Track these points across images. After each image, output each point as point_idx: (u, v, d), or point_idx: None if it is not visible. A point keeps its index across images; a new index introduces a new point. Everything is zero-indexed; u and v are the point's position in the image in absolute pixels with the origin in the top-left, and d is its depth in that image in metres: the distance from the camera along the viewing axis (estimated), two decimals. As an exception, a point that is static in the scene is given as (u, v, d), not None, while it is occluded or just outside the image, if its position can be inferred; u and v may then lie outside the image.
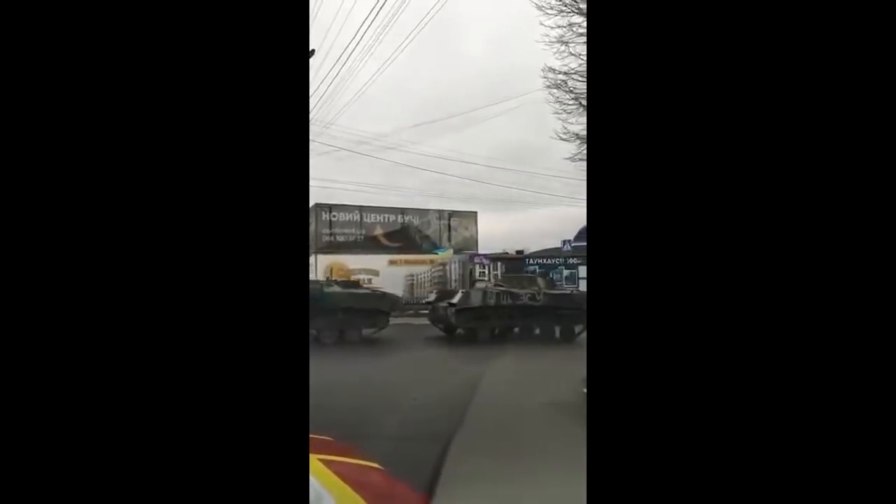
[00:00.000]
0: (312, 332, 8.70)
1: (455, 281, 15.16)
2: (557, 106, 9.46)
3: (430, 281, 14.43)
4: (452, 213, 16.09)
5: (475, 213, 16.58)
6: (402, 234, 15.03)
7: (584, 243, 17.10)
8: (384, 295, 10.49)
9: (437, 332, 10.23)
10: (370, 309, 9.55)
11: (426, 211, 15.75)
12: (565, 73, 8.98)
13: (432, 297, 10.68)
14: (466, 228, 16.31)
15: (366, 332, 9.41)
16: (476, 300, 9.26)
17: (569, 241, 18.72)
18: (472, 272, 15.41)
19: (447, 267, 15.27)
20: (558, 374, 5.19)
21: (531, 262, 16.06)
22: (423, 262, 14.60)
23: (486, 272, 16.24)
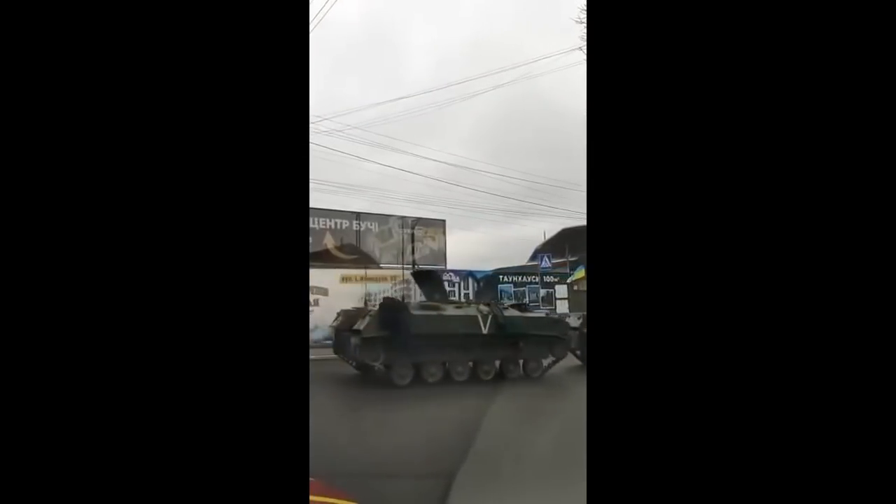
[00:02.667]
0: (496, 364, 8.22)
1: (421, 301, 12.73)
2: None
3: (392, 301, 11.85)
4: (417, 221, 13.46)
5: (443, 221, 14.40)
6: (358, 244, 12.38)
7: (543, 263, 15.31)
8: (559, 320, 9.73)
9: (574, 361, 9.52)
10: (550, 336, 8.61)
11: (387, 217, 13.09)
12: None
13: (575, 321, 9.84)
14: (433, 239, 13.89)
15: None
16: None
17: (546, 255, 16.61)
18: (440, 291, 12.80)
19: (412, 284, 12.57)
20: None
21: (505, 280, 13.84)
22: (382, 279, 11.95)
23: (457, 291, 13.63)
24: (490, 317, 8.04)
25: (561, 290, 16.06)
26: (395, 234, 14.45)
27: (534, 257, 23.16)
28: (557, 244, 22.59)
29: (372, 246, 13.98)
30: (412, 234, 14.72)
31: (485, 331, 7.94)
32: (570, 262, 20.58)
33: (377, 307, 7.92)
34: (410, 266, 14.20)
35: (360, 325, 7.38)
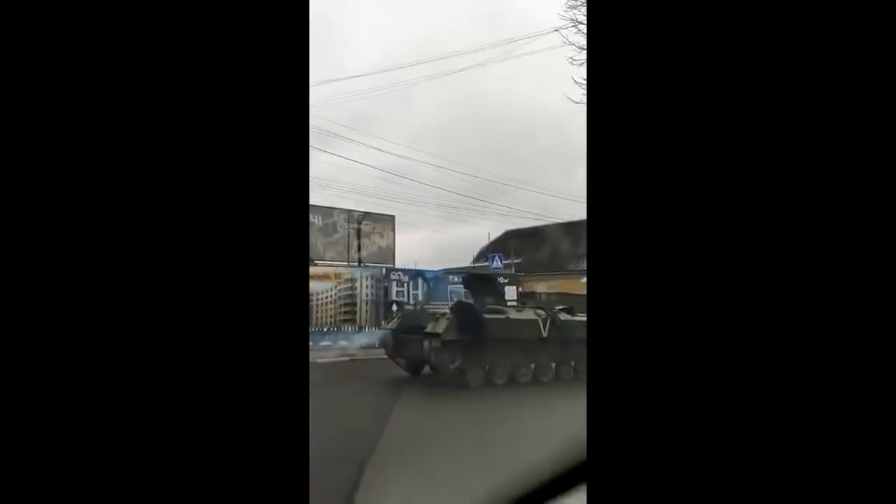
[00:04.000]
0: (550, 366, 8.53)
1: (367, 301, 12.84)
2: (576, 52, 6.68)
3: (336, 302, 10.99)
4: (364, 216, 12.55)
5: (392, 217, 13.35)
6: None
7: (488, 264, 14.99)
8: None
9: None
10: None
11: (331, 210, 12.07)
12: None
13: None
14: (381, 235, 13.00)
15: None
16: None
17: (498, 255, 16.14)
18: (387, 291, 12.17)
19: (357, 284, 12.82)
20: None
21: (455, 280, 13.42)
22: (325, 278, 10.99)
23: (406, 291, 13.01)
24: (549, 320, 8.43)
25: (510, 292, 15.59)
26: (339, 230, 13.38)
27: (479, 258, 22.68)
28: (501, 246, 22.26)
29: (314, 241, 12.86)
30: (359, 230, 13.69)
31: (544, 334, 8.33)
32: (515, 263, 20.25)
33: (451, 310, 8.20)
34: (356, 263, 13.18)
35: (437, 328, 7.62)
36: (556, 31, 7.94)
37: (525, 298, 12.26)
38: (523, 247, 24.75)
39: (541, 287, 17.22)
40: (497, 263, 15.87)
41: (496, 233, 24.74)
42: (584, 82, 7.94)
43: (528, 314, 8.63)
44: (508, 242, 23.65)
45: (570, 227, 26.12)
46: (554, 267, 24.88)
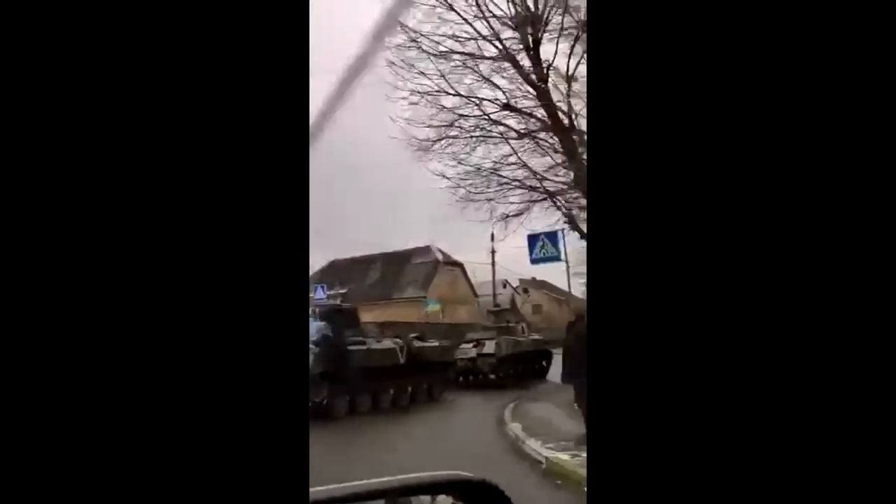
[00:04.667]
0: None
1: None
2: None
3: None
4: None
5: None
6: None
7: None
8: (450, 346, 10.67)
9: None
10: (446, 362, 9.81)
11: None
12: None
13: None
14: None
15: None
16: None
17: (322, 285, 15.70)
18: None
19: None
20: None
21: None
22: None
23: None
24: (405, 348, 8.83)
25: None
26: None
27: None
28: (327, 276, 21.66)
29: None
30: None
31: (402, 361, 8.70)
32: (341, 294, 19.80)
33: (315, 344, 7.96)
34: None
35: None
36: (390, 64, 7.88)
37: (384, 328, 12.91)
38: (349, 277, 24.40)
39: (370, 316, 16.96)
40: (320, 294, 15.27)
41: (320, 263, 24.09)
42: (401, 119, 7.95)
43: (386, 343, 9.05)
44: (335, 272, 23.11)
45: (393, 257, 26.49)
46: (382, 296, 24.93)
